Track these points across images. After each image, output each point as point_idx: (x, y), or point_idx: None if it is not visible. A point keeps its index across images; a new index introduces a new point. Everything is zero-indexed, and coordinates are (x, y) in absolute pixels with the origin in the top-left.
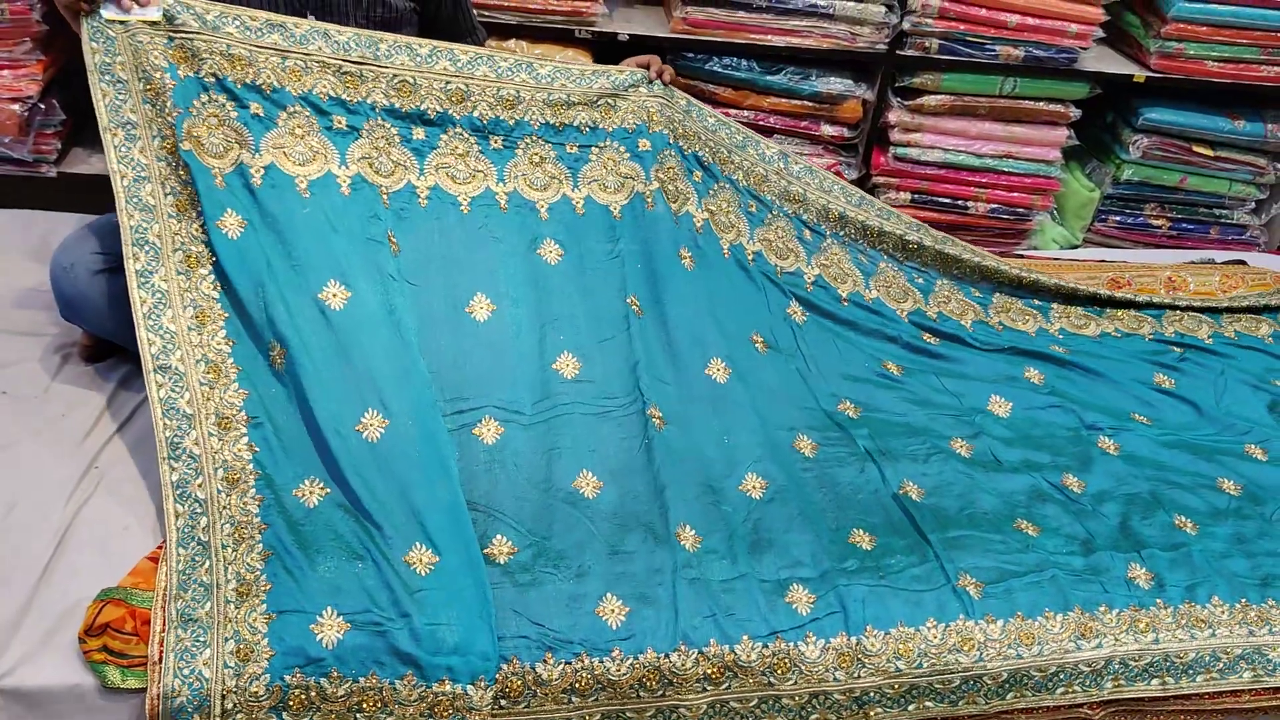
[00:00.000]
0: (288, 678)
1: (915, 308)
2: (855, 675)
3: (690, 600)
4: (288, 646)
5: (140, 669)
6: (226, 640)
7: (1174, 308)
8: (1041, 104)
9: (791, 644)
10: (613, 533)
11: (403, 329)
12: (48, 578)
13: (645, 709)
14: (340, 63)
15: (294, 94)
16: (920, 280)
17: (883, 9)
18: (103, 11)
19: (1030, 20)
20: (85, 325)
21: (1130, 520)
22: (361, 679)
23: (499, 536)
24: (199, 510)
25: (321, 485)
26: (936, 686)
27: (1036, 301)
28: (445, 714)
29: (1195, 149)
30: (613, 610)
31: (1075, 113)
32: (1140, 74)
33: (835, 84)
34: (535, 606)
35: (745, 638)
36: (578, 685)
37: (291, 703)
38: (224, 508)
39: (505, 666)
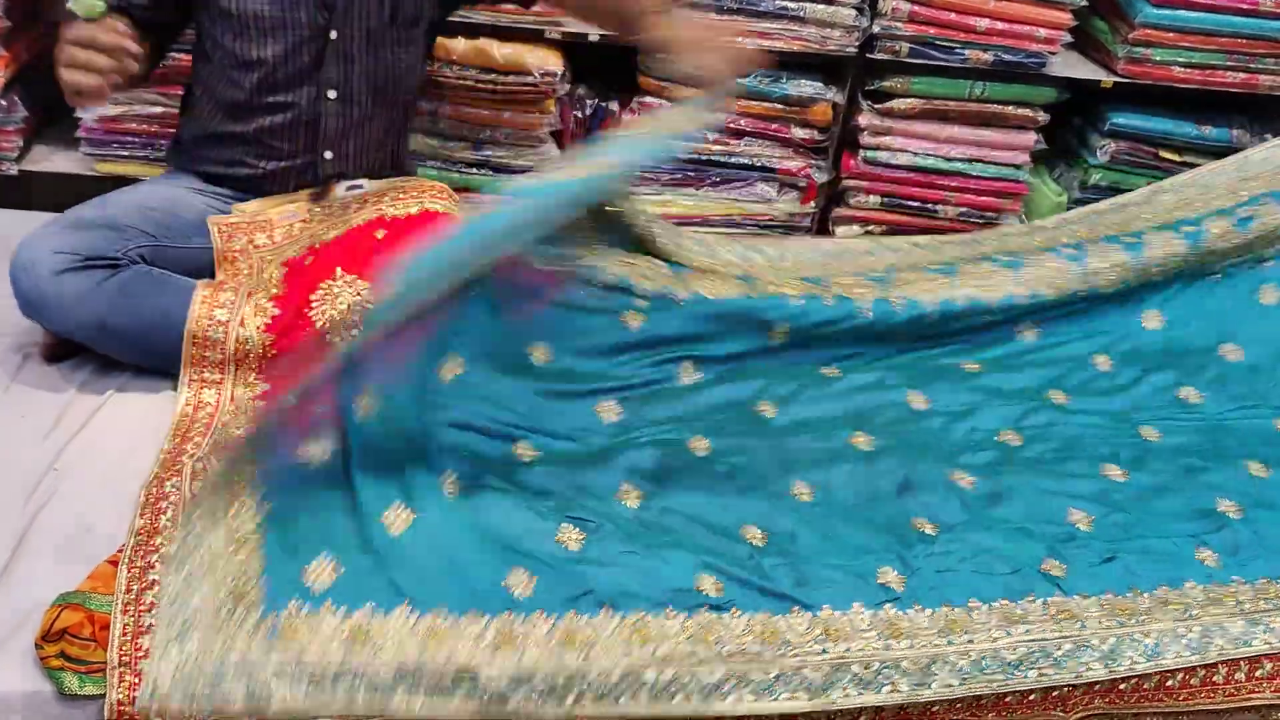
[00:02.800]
0: (280, 613)
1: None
2: (970, 640)
3: (782, 577)
4: (278, 587)
5: (99, 675)
6: (219, 587)
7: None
8: (1010, 108)
9: (900, 611)
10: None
11: None
12: (4, 582)
13: (769, 667)
14: None
15: None
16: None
17: (853, 12)
18: None
19: (999, 25)
20: (46, 324)
21: (1178, 505)
22: (356, 612)
23: (564, 525)
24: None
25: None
26: (1051, 650)
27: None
28: (441, 645)
29: (1162, 154)
30: (710, 584)
31: (1044, 117)
32: (1108, 79)
33: (805, 86)
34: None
35: (856, 604)
36: (703, 637)
37: (285, 632)
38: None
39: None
